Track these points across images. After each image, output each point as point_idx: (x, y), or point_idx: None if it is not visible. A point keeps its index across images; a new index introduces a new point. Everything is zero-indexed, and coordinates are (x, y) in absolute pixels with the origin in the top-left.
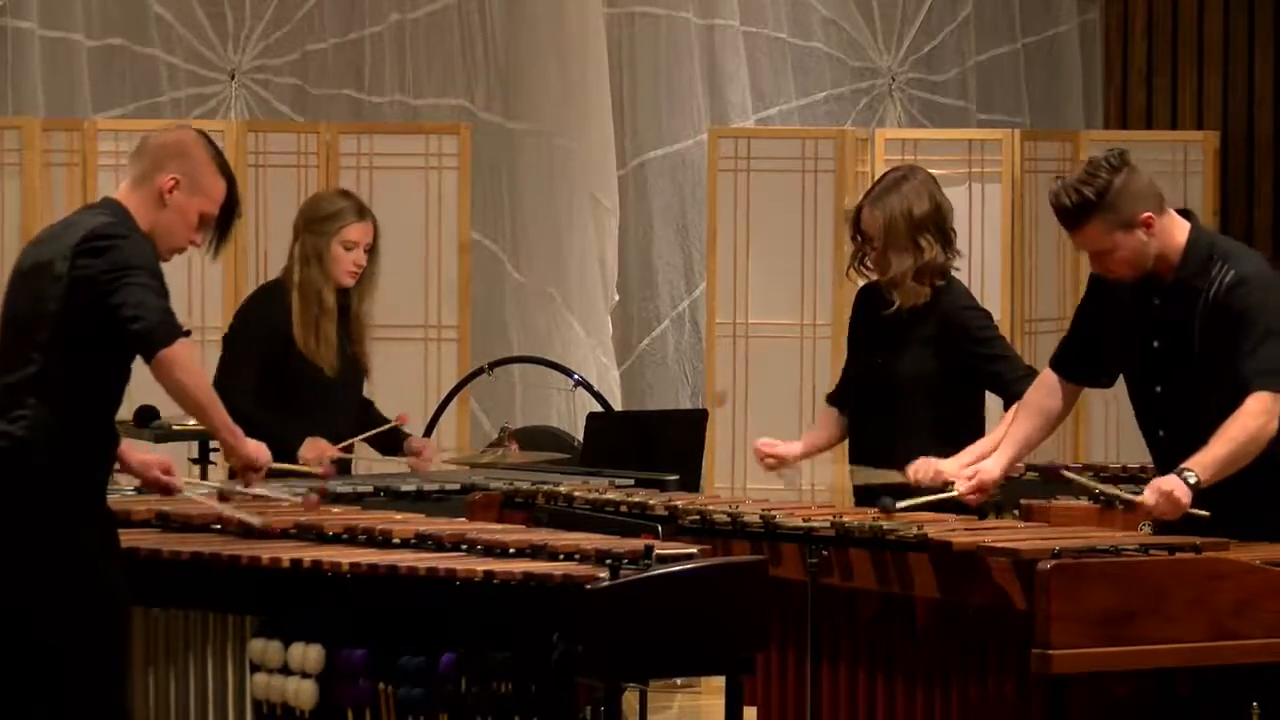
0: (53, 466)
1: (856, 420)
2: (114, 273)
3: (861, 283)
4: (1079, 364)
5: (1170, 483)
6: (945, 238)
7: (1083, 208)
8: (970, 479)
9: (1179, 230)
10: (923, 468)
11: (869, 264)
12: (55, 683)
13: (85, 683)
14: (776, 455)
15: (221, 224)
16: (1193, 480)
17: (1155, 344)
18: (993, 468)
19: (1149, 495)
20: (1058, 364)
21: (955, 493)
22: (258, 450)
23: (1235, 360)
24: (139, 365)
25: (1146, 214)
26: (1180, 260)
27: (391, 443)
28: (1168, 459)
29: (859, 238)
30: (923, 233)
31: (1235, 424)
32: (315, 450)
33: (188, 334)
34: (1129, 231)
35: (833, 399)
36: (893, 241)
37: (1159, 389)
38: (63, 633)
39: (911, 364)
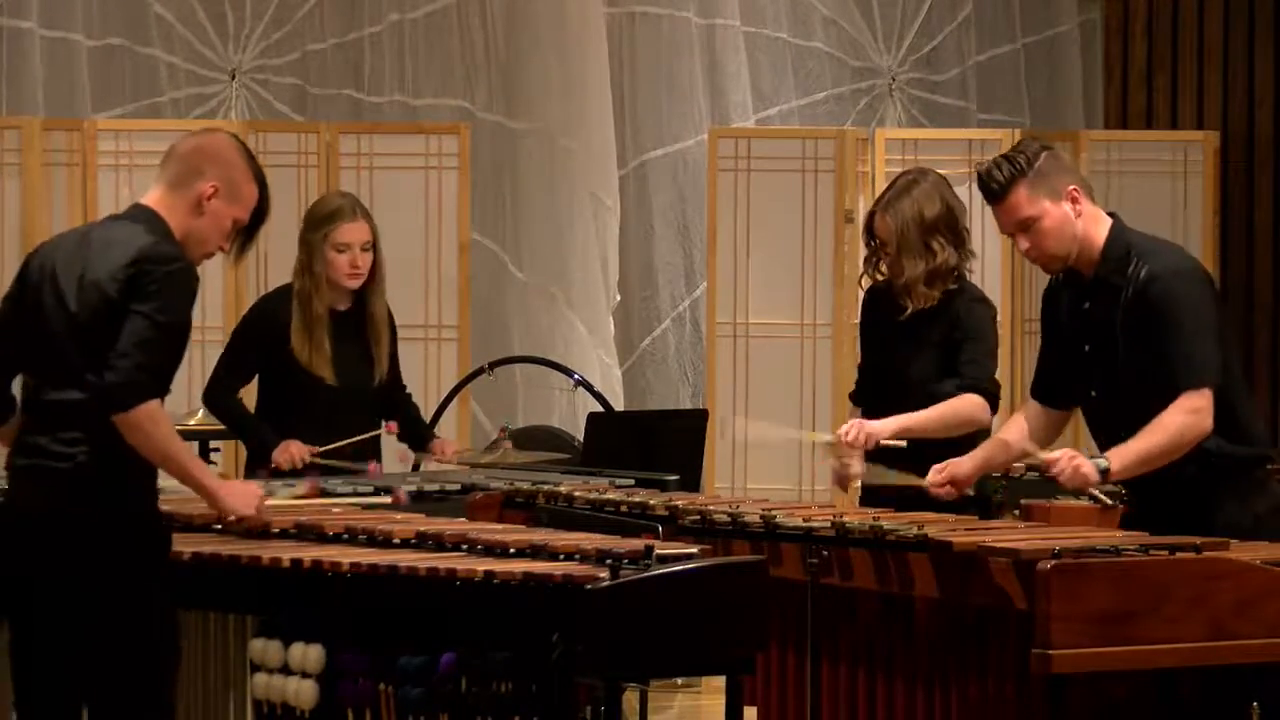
0: (115, 486)
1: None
2: (143, 310)
3: (866, 283)
4: (1052, 389)
5: (1083, 459)
6: (958, 239)
7: (1011, 175)
8: (941, 471)
9: (1102, 225)
10: (854, 429)
11: (883, 269)
12: (121, 687)
13: (147, 689)
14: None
15: (250, 229)
16: (1103, 466)
17: (1086, 348)
18: (965, 463)
19: (1062, 455)
20: (1034, 392)
21: (924, 483)
22: (243, 500)
23: (1160, 360)
24: None
25: (1073, 187)
26: (1100, 256)
27: (419, 442)
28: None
29: (873, 244)
30: (934, 235)
31: (1160, 421)
32: (287, 453)
33: (161, 395)
34: (1056, 201)
35: (854, 398)
36: (905, 246)
37: (1093, 393)
38: (125, 646)
39: (921, 367)
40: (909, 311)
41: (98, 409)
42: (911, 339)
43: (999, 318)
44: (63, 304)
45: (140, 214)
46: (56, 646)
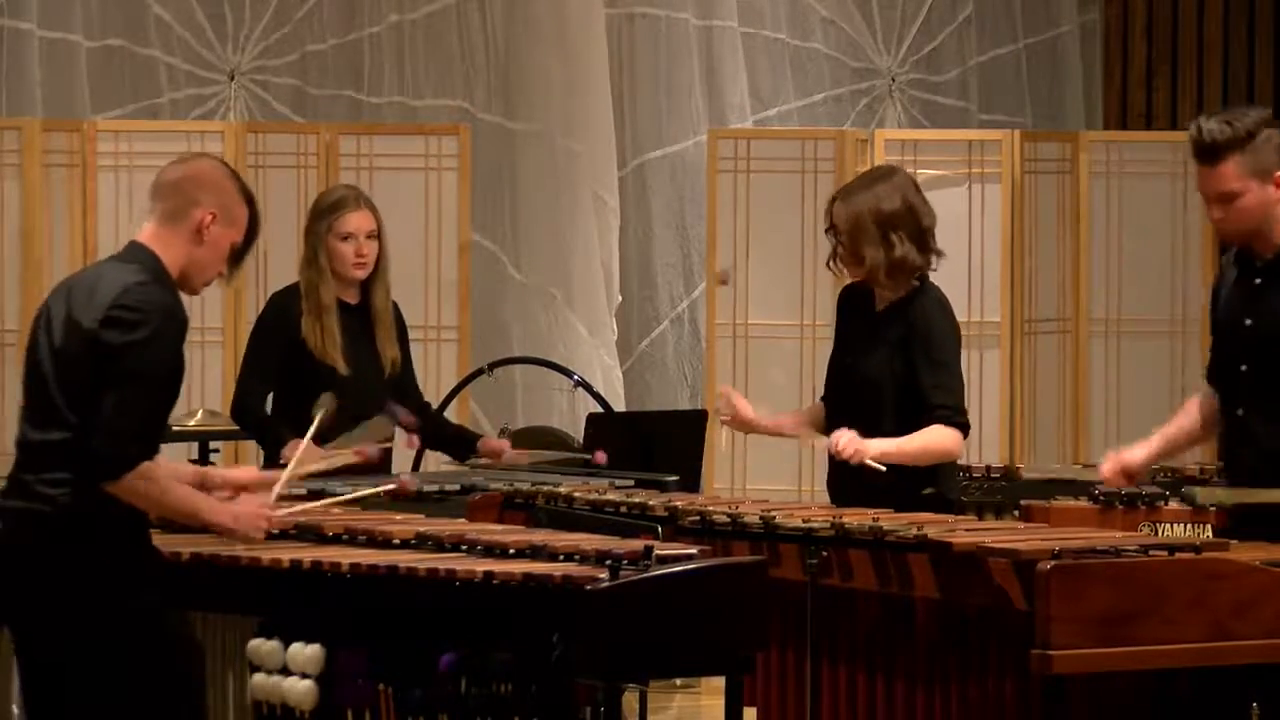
0: (97, 526)
1: (830, 419)
2: (124, 365)
3: (847, 281)
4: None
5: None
6: (920, 239)
7: (1228, 142)
8: (1112, 459)
9: None
10: (848, 442)
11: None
12: None
13: None
14: (738, 418)
15: (243, 249)
16: None
17: (1248, 321)
18: (1136, 453)
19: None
20: (1208, 377)
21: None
22: (253, 525)
23: None
24: None
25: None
26: None
27: (464, 448)
28: (1242, 437)
29: (831, 232)
30: (893, 230)
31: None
32: (294, 451)
33: (151, 455)
34: (1263, 182)
35: (825, 398)
36: (860, 237)
37: (1244, 367)
38: (135, 691)
39: (877, 365)
40: (886, 305)
41: (91, 479)
42: (873, 337)
43: (998, 318)
44: (51, 344)
45: (135, 253)
46: (46, 689)
